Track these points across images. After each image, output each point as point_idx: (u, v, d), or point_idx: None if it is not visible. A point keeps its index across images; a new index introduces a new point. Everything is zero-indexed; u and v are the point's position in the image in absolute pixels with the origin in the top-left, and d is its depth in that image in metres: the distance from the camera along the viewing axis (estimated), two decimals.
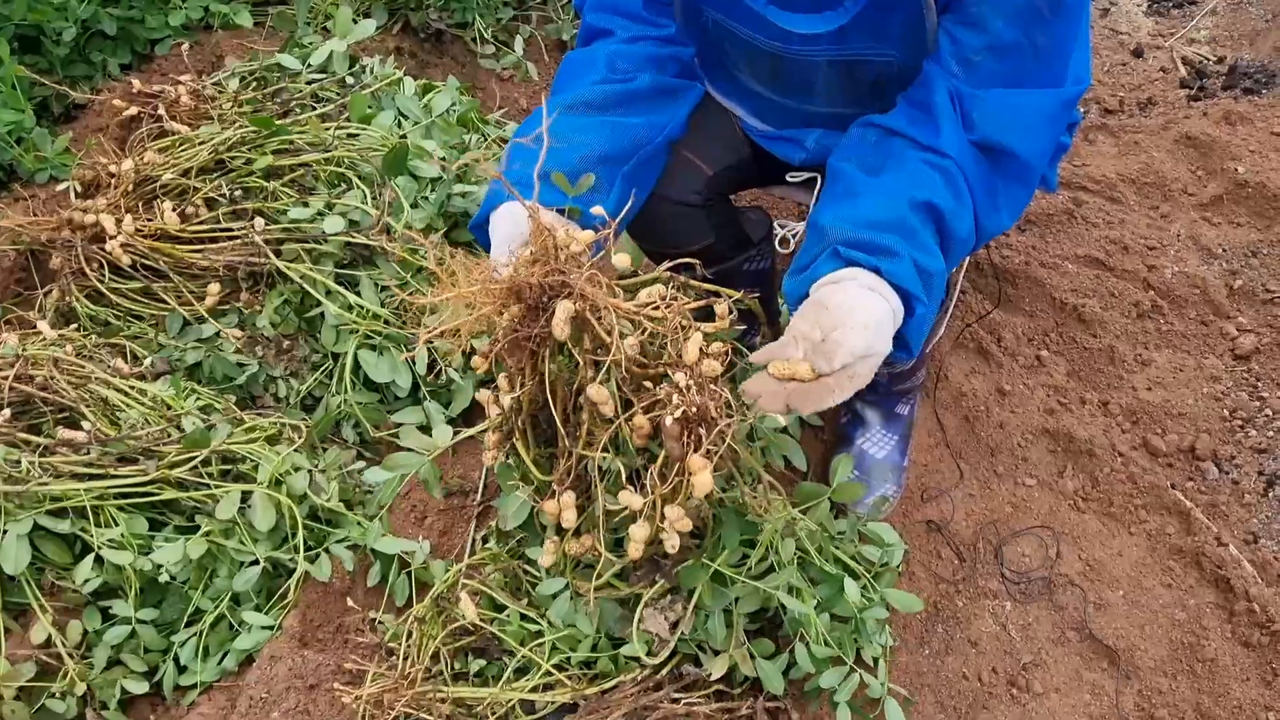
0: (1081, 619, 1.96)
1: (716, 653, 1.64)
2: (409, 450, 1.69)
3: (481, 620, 1.64)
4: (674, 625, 1.60)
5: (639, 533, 1.43)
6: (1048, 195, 2.76)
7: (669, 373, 1.40)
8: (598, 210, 1.41)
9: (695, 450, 1.36)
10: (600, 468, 1.50)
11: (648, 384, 1.44)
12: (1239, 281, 2.55)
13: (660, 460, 1.40)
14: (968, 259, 2.28)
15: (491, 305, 1.34)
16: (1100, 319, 2.46)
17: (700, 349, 1.38)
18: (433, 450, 1.68)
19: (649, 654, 1.57)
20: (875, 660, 1.72)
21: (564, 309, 1.30)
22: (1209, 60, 3.39)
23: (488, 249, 1.58)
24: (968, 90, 1.45)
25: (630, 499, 1.43)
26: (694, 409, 1.35)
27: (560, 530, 1.60)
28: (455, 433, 1.76)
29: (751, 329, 2.22)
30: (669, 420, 1.35)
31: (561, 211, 1.53)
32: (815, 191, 1.84)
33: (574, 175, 1.50)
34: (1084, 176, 2.84)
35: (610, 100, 1.66)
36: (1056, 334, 2.46)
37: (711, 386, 1.38)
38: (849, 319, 1.33)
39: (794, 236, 2.47)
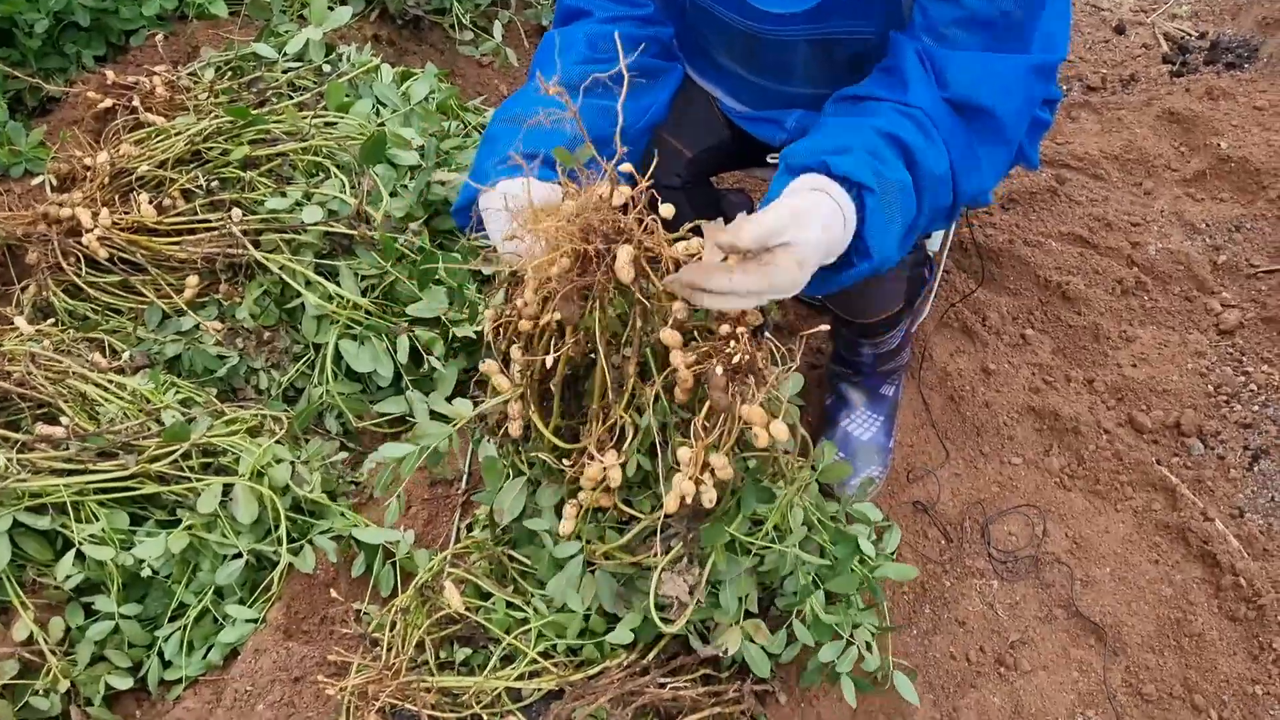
0: (1069, 596, 1.96)
1: (715, 626, 1.64)
2: (427, 425, 1.64)
3: (467, 609, 1.63)
4: (690, 590, 1.59)
5: (687, 487, 1.40)
6: (1031, 174, 2.75)
7: (711, 327, 1.39)
8: (626, 167, 1.37)
9: (742, 401, 1.34)
10: (637, 426, 1.48)
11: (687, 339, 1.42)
12: (1223, 257, 2.55)
13: (704, 411, 1.38)
14: (950, 235, 2.27)
15: (571, 243, 1.29)
16: (1085, 296, 2.45)
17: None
18: (455, 420, 1.63)
19: (666, 621, 1.55)
20: (868, 643, 1.73)
21: (625, 253, 1.27)
22: (1191, 35, 3.38)
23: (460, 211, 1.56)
24: (939, 51, 1.44)
25: (683, 453, 1.40)
26: (746, 357, 1.33)
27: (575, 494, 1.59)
28: (476, 402, 1.70)
29: None
30: (719, 370, 1.33)
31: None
32: None
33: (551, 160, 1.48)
34: (1067, 154, 2.83)
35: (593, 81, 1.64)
36: (1041, 312, 2.45)
37: (759, 343, 1.38)
38: (775, 208, 1.27)
39: None
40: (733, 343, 1.35)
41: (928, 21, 1.44)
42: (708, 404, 1.37)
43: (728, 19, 1.63)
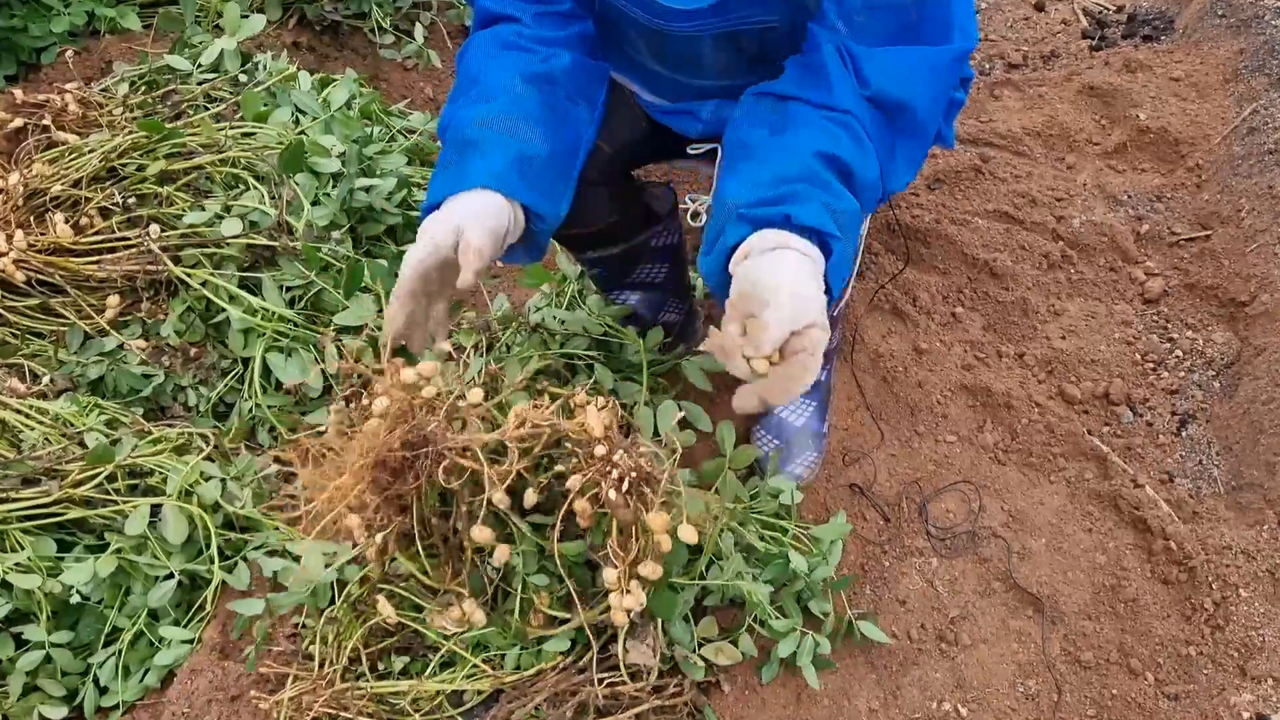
0: (1006, 569, 1.98)
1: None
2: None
3: (402, 618, 1.62)
4: (653, 649, 1.62)
5: (628, 601, 1.45)
6: (956, 153, 2.77)
7: (573, 449, 1.45)
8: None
9: (645, 508, 1.41)
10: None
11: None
12: (1145, 227, 2.59)
13: (614, 530, 1.44)
14: (867, 222, 2.28)
15: (362, 484, 1.39)
16: (1012, 272, 2.48)
17: (601, 422, 1.42)
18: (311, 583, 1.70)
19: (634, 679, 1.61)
20: (824, 614, 1.80)
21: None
22: (1109, 10, 3.43)
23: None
24: (857, 48, 1.43)
25: (608, 574, 1.45)
26: (634, 474, 1.39)
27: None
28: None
29: (667, 305, 2.21)
30: (611, 493, 1.38)
31: (528, 207, 1.51)
32: (717, 163, 1.82)
33: (539, 166, 1.51)
34: (990, 132, 2.86)
35: (541, 79, 1.59)
36: (970, 290, 2.48)
37: (636, 446, 1.43)
38: (774, 297, 1.26)
39: (705, 209, 2.47)
40: (615, 463, 1.40)
41: (839, 6, 1.43)
42: (615, 525, 1.43)
43: (633, 14, 1.62)
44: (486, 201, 1.46)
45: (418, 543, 1.47)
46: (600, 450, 1.40)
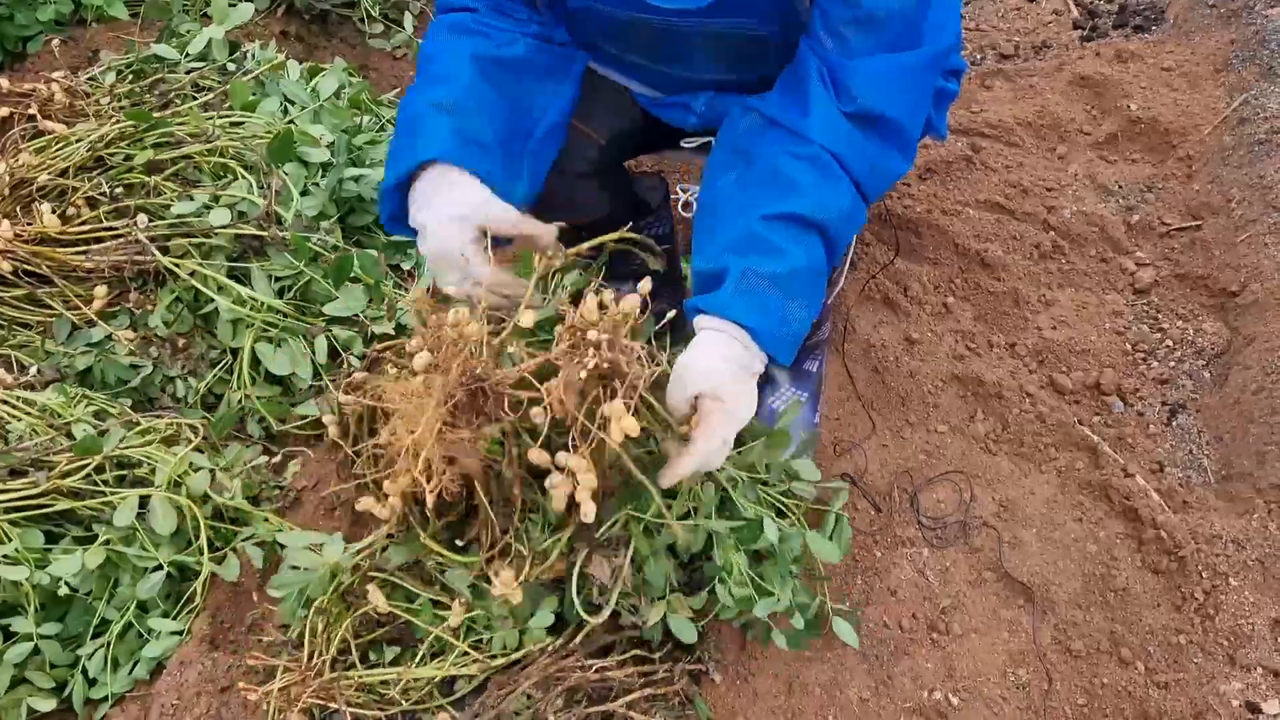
0: (997, 559, 1.98)
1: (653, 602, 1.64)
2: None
3: (393, 607, 1.61)
4: (613, 573, 1.60)
5: (570, 488, 1.44)
6: (947, 143, 2.77)
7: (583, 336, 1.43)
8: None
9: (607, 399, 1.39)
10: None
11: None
12: (1136, 217, 2.59)
13: (581, 418, 1.42)
14: None
15: (437, 417, 1.39)
16: (1003, 262, 2.47)
17: (601, 305, 1.42)
18: (323, 565, 1.67)
19: (589, 609, 1.56)
20: (801, 603, 1.74)
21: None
22: (1100, 0, 3.43)
23: (393, 218, 1.56)
24: (841, 62, 1.45)
25: (559, 458, 1.44)
26: (606, 364, 1.37)
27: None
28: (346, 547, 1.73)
29: (659, 295, 2.19)
30: (582, 374, 1.37)
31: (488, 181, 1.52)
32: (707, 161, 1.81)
33: (488, 147, 1.52)
34: (981, 122, 2.85)
35: (491, 63, 1.60)
36: (961, 280, 2.47)
37: (623, 343, 1.42)
38: (674, 372, 1.43)
39: (696, 200, 2.46)
40: (591, 351, 1.39)
41: (825, 21, 1.45)
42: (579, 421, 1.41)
43: (620, 15, 1.61)
44: (464, 189, 1.49)
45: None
46: (593, 334, 1.40)
